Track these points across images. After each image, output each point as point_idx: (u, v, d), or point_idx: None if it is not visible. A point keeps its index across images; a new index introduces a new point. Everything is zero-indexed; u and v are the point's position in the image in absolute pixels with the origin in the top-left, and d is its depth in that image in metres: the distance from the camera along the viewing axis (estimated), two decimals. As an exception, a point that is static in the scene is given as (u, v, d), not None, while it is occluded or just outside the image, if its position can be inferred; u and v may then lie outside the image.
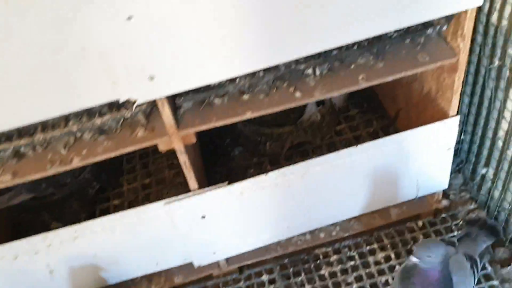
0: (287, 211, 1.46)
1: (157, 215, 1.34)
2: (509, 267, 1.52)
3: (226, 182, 1.34)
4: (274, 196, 1.39)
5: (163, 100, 1.13)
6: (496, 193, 1.59)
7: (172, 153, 1.90)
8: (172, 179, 1.87)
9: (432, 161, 1.47)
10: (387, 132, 1.71)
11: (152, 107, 1.21)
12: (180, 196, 1.32)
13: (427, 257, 1.21)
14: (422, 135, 1.36)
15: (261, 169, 1.80)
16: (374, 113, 1.82)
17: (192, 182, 1.31)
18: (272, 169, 1.36)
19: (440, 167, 1.49)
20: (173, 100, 1.21)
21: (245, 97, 1.21)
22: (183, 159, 1.28)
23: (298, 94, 1.20)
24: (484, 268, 1.49)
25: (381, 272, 1.56)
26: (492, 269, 1.51)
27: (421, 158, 1.43)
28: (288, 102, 1.19)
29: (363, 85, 1.19)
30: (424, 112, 1.47)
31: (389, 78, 1.20)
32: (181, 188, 1.83)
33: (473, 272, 1.34)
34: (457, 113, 1.34)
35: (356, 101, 1.86)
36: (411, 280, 1.28)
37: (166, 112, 1.15)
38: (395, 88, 1.64)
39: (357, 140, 1.76)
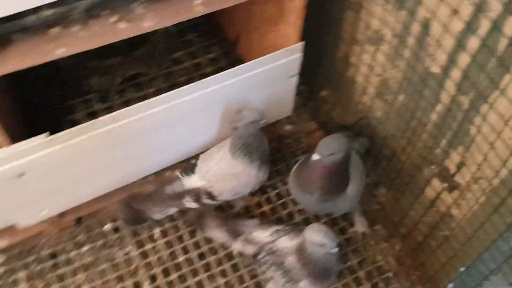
0: (126, 156, 1.30)
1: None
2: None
3: (46, 134, 1.11)
4: (107, 143, 1.21)
5: None
6: (335, 114, 1.61)
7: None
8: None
9: (276, 89, 1.39)
10: (228, 58, 1.59)
11: None
12: (-14, 155, 1.07)
13: (330, 155, 1.18)
14: (266, 64, 1.26)
15: (90, 108, 1.57)
16: (213, 37, 1.67)
17: (2, 137, 1.06)
18: (104, 108, 1.16)
19: (284, 94, 1.43)
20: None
21: (55, 30, 0.96)
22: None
23: (122, 25, 0.99)
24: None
25: (229, 206, 1.51)
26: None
27: (265, 88, 1.35)
28: (110, 35, 0.98)
29: (201, 11, 1.02)
30: (265, 36, 1.36)
31: (231, 3, 1.05)
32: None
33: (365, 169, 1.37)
34: (301, 39, 1.26)
35: (192, 23, 1.68)
36: (309, 173, 1.25)
37: None
38: (234, 10, 1.49)
39: (197, 68, 1.61)
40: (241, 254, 1.34)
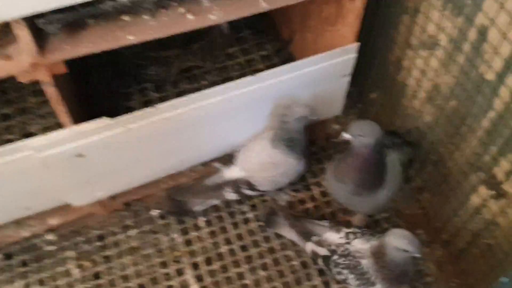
0: (178, 145, 1.34)
1: (25, 156, 1.14)
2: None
3: (106, 117, 1.16)
4: (163, 131, 1.25)
5: (19, 22, 0.90)
6: (383, 117, 1.61)
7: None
8: (38, 109, 1.63)
9: (328, 87, 1.41)
10: (280, 56, 1.62)
11: (6, 31, 0.97)
12: (51, 134, 1.13)
13: (359, 136, 1.19)
14: (321, 63, 1.29)
15: (146, 96, 1.63)
16: (267, 35, 1.71)
17: (64, 117, 1.12)
18: (158, 98, 1.20)
19: (335, 93, 1.45)
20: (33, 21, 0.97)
21: (126, 18, 1.01)
22: (51, 92, 1.08)
23: (190, 16, 1.03)
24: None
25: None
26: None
27: (317, 86, 1.37)
28: (179, 25, 1.02)
29: (265, 7, 1.06)
30: (321, 36, 1.39)
31: (294, 0, 1.08)
32: (50, 119, 1.60)
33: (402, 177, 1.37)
34: (357, 40, 1.28)
35: (248, 21, 1.72)
36: (343, 161, 1.27)
37: (24, 37, 0.93)
38: (290, 9, 1.52)
39: (250, 64, 1.65)
40: (314, 255, 1.34)
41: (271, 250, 1.46)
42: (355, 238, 1.28)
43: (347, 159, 1.27)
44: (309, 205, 1.54)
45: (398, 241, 1.15)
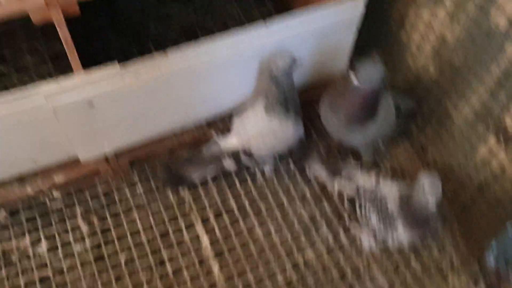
0: (186, 97, 1.33)
1: (35, 104, 1.11)
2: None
3: (117, 64, 1.14)
4: (172, 80, 1.24)
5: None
6: (386, 74, 1.62)
7: (33, 36, 1.60)
8: (37, 67, 1.59)
9: (334, 42, 1.42)
10: (281, 13, 1.60)
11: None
12: (62, 81, 1.10)
13: (366, 80, 1.21)
14: (328, 13, 1.28)
15: (144, 55, 1.60)
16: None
17: (76, 63, 1.10)
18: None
19: (341, 49, 1.46)
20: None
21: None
22: (65, 33, 1.06)
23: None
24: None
25: (280, 158, 1.54)
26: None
27: (323, 39, 1.37)
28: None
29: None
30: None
31: None
32: (49, 78, 1.56)
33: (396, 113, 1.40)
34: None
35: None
36: (341, 95, 1.29)
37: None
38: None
39: (250, 22, 1.63)
40: (339, 194, 1.38)
41: (279, 205, 1.46)
42: (384, 181, 1.32)
43: (345, 94, 1.30)
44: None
45: (428, 185, 1.18)
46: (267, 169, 1.50)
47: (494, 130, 1.28)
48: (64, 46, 1.08)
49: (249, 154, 1.41)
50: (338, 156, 1.52)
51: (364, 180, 1.35)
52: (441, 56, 1.38)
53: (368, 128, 1.34)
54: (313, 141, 1.58)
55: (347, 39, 1.44)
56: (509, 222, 1.28)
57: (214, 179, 1.49)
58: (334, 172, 1.39)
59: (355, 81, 1.22)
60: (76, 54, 1.11)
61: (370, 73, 1.22)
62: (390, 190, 1.29)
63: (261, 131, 1.37)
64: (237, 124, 1.41)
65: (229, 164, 1.43)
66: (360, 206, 1.33)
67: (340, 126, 1.35)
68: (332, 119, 1.35)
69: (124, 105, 1.24)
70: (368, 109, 1.30)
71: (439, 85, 1.43)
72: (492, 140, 1.30)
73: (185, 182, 1.47)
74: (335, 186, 1.40)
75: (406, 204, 1.24)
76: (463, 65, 1.31)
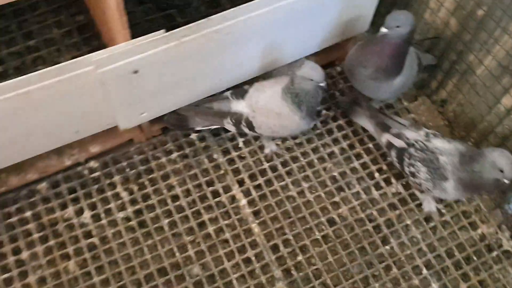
0: (223, 61, 1.35)
1: (85, 72, 1.13)
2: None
3: (164, 30, 1.16)
4: (213, 44, 1.26)
5: None
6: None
7: (54, 9, 1.61)
8: (64, 39, 1.60)
9: (360, 2, 1.44)
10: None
11: None
12: (112, 48, 1.12)
13: (396, 27, 1.23)
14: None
15: (169, 22, 1.62)
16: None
17: (125, 31, 1.12)
18: (184, 23, 1.20)
19: (365, 7, 1.48)
20: None
21: None
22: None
23: None
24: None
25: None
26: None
27: (349, 2, 1.40)
28: None
29: None
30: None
31: None
32: (77, 49, 1.58)
33: (418, 66, 1.43)
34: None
35: None
36: (371, 47, 1.31)
37: None
38: None
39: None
40: (389, 146, 1.40)
41: (310, 164, 1.51)
42: (435, 137, 1.34)
43: (374, 46, 1.31)
44: (341, 121, 1.59)
45: (497, 160, 1.18)
46: (267, 150, 1.52)
47: (520, 81, 1.32)
48: (115, 14, 1.09)
49: (249, 126, 1.42)
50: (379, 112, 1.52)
51: (414, 135, 1.35)
52: (464, 9, 1.41)
53: (395, 81, 1.36)
54: (337, 102, 1.62)
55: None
56: None
57: (245, 141, 1.53)
58: (383, 127, 1.41)
59: (383, 29, 1.24)
60: (126, 21, 1.12)
61: (400, 22, 1.23)
62: (446, 148, 1.30)
63: (269, 108, 1.38)
64: (252, 91, 1.43)
65: (229, 126, 1.45)
66: (410, 159, 1.33)
67: (368, 80, 1.37)
68: (361, 73, 1.37)
69: (166, 70, 1.26)
70: (396, 60, 1.32)
71: (461, 39, 1.47)
72: (517, 91, 1.34)
73: (186, 128, 1.50)
74: (383, 139, 1.41)
75: (467, 167, 1.24)
76: (489, 18, 1.34)
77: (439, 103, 1.65)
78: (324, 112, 1.60)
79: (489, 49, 1.39)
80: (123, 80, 1.20)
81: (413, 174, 1.35)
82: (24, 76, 1.09)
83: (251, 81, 1.55)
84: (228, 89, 1.47)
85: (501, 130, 1.44)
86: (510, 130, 1.40)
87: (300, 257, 1.37)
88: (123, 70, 1.17)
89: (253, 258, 1.36)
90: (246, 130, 1.44)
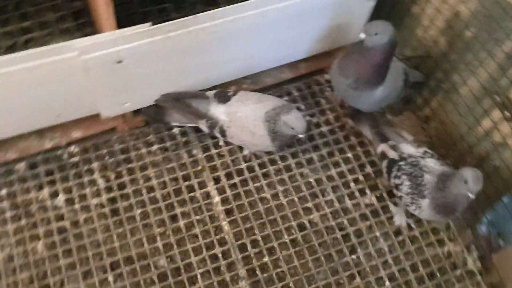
0: (208, 59, 1.37)
1: (68, 58, 1.15)
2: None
3: (150, 23, 1.18)
4: (198, 41, 1.28)
5: None
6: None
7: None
8: (58, 24, 1.61)
9: (351, 12, 1.46)
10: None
11: None
12: (96, 36, 1.14)
13: (374, 35, 1.25)
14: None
15: (163, 17, 1.63)
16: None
17: (111, 20, 1.13)
18: (178, 18, 1.22)
19: (357, 19, 1.49)
20: None
21: None
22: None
23: None
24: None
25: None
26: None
27: (341, 8, 1.41)
28: None
29: None
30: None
31: None
32: (70, 34, 1.59)
33: (404, 81, 1.44)
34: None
35: None
36: (351, 56, 1.32)
37: None
38: None
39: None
40: (382, 156, 1.41)
41: (287, 168, 1.53)
42: (431, 157, 1.35)
43: (354, 55, 1.33)
44: (324, 128, 1.60)
45: (470, 177, 1.19)
46: (246, 151, 1.53)
47: (500, 105, 1.33)
48: (102, 1, 1.11)
49: (222, 134, 1.43)
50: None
51: (411, 150, 1.37)
52: (454, 30, 1.42)
53: (376, 92, 1.38)
54: (322, 109, 1.64)
55: (364, 10, 1.47)
56: (505, 196, 1.35)
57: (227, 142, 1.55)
58: (381, 138, 1.43)
59: (362, 35, 1.25)
60: (112, 10, 1.14)
61: (378, 29, 1.25)
62: (434, 168, 1.31)
63: (245, 124, 1.39)
64: (235, 100, 1.42)
65: (203, 127, 1.45)
66: (398, 171, 1.35)
67: (349, 90, 1.38)
68: (342, 83, 1.38)
69: (151, 63, 1.28)
70: (376, 70, 1.33)
71: (448, 58, 1.48)
72: (496, 113, 1.35)
73: (162, 121, 1.51)
74: (379, 149, 1.43)
75: (442, 186, 1.26)
76: (476, 40, 1.35)
77: (423, 120, 1.66)
78: (307, 118, 1.61)
79: (474, 70, 1.40)
80: (107, 69, 1.22)
81: (396, 186, 1.37)
82: (5, 56, 1.11)
83: (238, 81, 1.57)
84: (214, 88, 1.49)
85: (478, 151, 1.45)
86: (487, 152, 1.41)
87: (266, 259, 1.38)
88: (107, 59, 1.19)
89: (220, 255, 1.38)
90: (218, 135, 1.45)
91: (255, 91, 1.61)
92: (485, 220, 1.47)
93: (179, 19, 1.19)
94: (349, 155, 1.56)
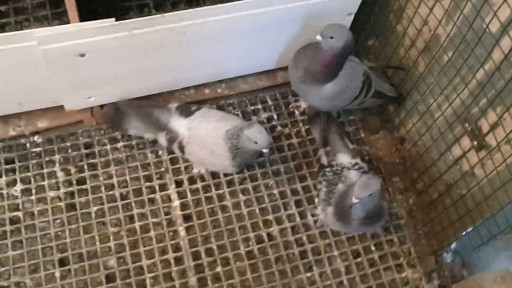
0: (177, 60, 1.34)
1: (27, 47, 1.13)
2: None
3: (114, 19, 1.16)
4: (166, 41, 1.25)
5: None
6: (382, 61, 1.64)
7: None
8: (35, 11, 1.59)
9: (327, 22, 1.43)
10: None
11: None
12: (56, 28, 1.12)
13: (330, 38, 1.26)
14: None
15: (143, 13, 1.60)
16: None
17: (73, 12, 1.11)
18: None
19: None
20: None
21: None
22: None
23: None
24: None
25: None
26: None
27: (321, 21, 1.38)
28: None
29: None
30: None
31: None
32: (46, 23, 1.56)
33: (363, 84, 1.42)
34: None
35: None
36: (305, 51, 1.33)
37: None
38: None
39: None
40: (318, 160, 1.47)
41: (252, 178, 1.50)
42: (358, 170, 1.35)
43: (308, 50, 1.32)
44: (294, 140, 1.58)
45: (358, 186, 1.19)
46: (195, 170, 1.48)
47: (470, 133, 1.30)
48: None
49: (181, 149, 1.39)
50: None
51: (343, 160, 1.39)
52: (432, 53, 1.40)
53: (324, 88, 1.37)
54: (295, 120, 1.61)
55: (343, 20, 1.44)
56: (470, 227, 1.33)
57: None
58: (323, 142, 1.45)
59: (318, 37, 1.26)
60: (74, 3, 1.12)
61: (335, 33, 1.26)
62: (352, 178, 1.32)
63: (205, 142, 1.35)
64: (197, 115, 1.39)
65: (162, 140, 1.42)
66: (322, 177, 1.38)
67: (299, 83, 1.38)
68: (294, 75, 1.38)
69: (115, 59, 1.26)
70: (326, 68, 1.33)
71: (425, 80, 1.45)
72: (466, 142, 1.32)
73: (120, 128, 1.48)
74: (318, 153, 1.47)
75: (345, 195, 1.27)
76: (451, 65, 1.33)
77: (398, 140, 1.63)
78: (278, 128, 1.58)
79: (448, 95, 1.37)
80: (68, 61, 1.20)
81: (318, 190, 1.40)
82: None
83: (212, 85, 1.55)
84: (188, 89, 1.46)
85: (447, 178, 1.42)
86: (455, 179, 1.38)
87: (219, 269, 1.35)
88: (67, 51, 1.17)
89: (172, 261, 1.35)
90: (177, 151, 1.41)
91: (230, 96, 1.60)
92: (450, 248, 1.44)
93: (146, 17, 1.16)
94: (317, 169, 1.53)
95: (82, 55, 1.19)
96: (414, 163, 1.56)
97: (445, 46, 1.34)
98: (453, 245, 1.43)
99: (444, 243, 1.45)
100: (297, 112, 1.62)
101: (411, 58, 1.50)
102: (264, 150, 1.30)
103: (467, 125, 1.31)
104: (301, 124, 1.60)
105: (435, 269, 1.44)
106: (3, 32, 1.52)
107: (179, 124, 1.38)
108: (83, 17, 1.34)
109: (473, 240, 1.35)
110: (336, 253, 1.41)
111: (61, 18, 1.57)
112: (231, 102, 1.60)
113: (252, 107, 1.60)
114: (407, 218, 1.51)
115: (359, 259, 1.41)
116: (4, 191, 1.39)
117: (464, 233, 1.37)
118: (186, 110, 1.40)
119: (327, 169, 1.37)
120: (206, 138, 1.35)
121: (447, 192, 1.42)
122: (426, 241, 1.48)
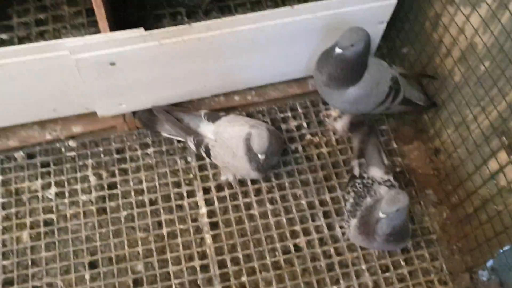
0: (206, 69, 1.35)
1: (60, 56, 1.16)
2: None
3: (143, 28, 1.18)
4: (194, 51, 1.26)
5: None
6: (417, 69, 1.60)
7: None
8: (72, 18, 1.64)
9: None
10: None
11: None
12: (87, 37, 1.15)
13: (351, 46, 1.24)
14: (360, 3, 1.27)
15: (176, 21, 1.63)
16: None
17: (103, 23, 1.14)
18: (188, 24, 1.21)
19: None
20: None
21: None
22: (94, -5, 1.09)
23: None
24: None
25: (291, 140, 1.56)
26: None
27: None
28: None
29: None
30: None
31: None
32: (83, 30, 1.61)
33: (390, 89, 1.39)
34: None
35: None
36: (327, 57, 1.31)
37: None
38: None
39: (284, 3, 1.62)
40: (348, 170, 1.47)
41: (281, 187, 1.49)
42: (387, 186, 1.32)
43: (330, 57, 1.30)
44: (324, 149, 1.56)
45: (387, 201, 1.17)
46: (223, 177, 1.49)
47: (507, 147, 1.25)
48: (94, 5, 1.12)
49: (207, 153, 1.41)
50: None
51: (375, 173, 1.37)
52: (468, 62, 1.35)
53: (347, 92, 1.34)
54: (325, 130, 1.59)
55: (376, 32, 1.41)
56: (509, 244, 1.27)
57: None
58: (358, 153, 1.44)
59: (338, 50, 1.24)
60: (104, 13, 1.14)
61: (354, 40, 1.23)
62: (381, 193, 1.29)
63: (228, 144, 1.36)
64: (224, 121, 1.41)
65: (191, 144, 1.44)
66: (351, 187, 1.35)
67: (323, 86, 1.37)
68: (318, 79, 1.37)
69: (144, 68, 1.28)
70: (348, 72, 1.31)
71: (461, 93, 1.40)
72: (503, 156, 1.27)
73: (154, 129, 1.51)
74: (352, 164, 1.45)
75: (372, 209, 1.24)
76: (488, 75, 1.28)
77: (433, 151, 1.58)
78: (308, 137, 1.57)
79: (484, 107, 1.32)
80: (99, 69, 1.22)
81: (345, 200, 1.36)
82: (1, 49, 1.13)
83: (242, 92, 1.55)
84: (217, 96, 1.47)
85: (483, 193, 1.36)
86: (491, 195, 1.33)
87: (244, 278, 1.35)
88: (98, 60, 1.19)
89: (198, 268, 1.36)
90: (204, 155, 1.43)
91: (259, 103, 1.60)
92: (486, 266, 1.38)
93: (173, 28, 1.17)
94: (346, 180, 1.51)
95: (113, 64, 1.21)
96: (448, 176, 1.51)
97: (482, 56, 1.29)
98: (489, 263, 1.37)
99: (479, 260, 1.39)
100: (327, 121, 1.59)
101: (446, 67, 1.45)
102: (259, 156, 1.29)
103: (505, 138, 1.26)
104: (331, 133, 1.58)
105: (469, 287, 1.38)
106: (43, 39, 1.59)
107: (207, 129, 1.41)
108: (118, 25, 1.38)
109: (510, 258, 1.29)
110: (364, 266, 1.38)
111: (97, 26, 1.62)
112: (261, 109, 1.59)
113: (282, 115, 1.59)
114: (440, 232, 1.46)
115: (387, 274, 1.38)
116: (40, 194, 1.43)
117: (501, 251, 1.31)
118: (214, 116, 1.43)
119: (358, 181, 1.35)
120: (229, 141, 1.36)
121: (482, 207, 1.37)
122: (460, 257, 1.43)
